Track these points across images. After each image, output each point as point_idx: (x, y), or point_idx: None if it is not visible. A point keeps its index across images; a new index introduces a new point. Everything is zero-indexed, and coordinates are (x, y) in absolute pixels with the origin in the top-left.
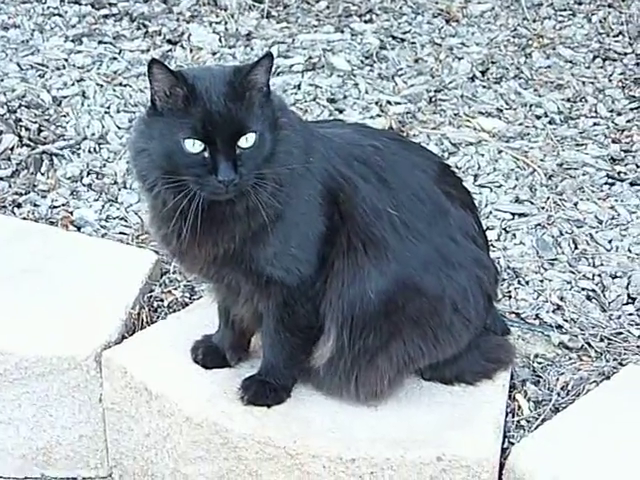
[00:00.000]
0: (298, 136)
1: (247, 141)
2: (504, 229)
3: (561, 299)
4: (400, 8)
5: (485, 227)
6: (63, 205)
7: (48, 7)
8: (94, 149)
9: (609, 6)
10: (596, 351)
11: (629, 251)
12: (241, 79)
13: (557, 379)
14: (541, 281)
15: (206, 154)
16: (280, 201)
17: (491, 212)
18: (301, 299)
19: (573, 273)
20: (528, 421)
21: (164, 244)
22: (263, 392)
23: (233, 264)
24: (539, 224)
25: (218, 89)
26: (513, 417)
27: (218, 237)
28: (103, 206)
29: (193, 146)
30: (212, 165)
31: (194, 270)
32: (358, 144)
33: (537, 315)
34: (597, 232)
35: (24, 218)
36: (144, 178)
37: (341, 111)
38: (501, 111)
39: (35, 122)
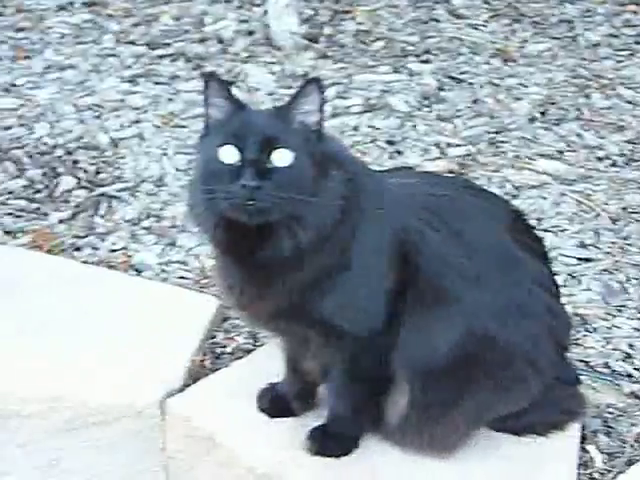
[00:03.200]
0: (363, 186)
1: (282, 158)
2: (570, 274)
3: (630, 347)
4: (457, 48)
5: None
6: (122, 249)
7: (103, 48)
8: (152, 191)
9: None
10: None
11: None
12: (286, 103)
13: (629, 430)
14: (609, 328)
15: (238, 163)
16: (334, 248)
17: (556, 257)
18: (370, 351)
19: None
20: (601, 473)
21: (228, 296)
22: (330, 443)
23: (300, 316)
24: (605, 269)
25: (264, 109)
26: (586, 469)
27: (277, 289)
28: (163, 250)
29: (227, 154)
30: (239, 172)
31: (260, 324)
32: (429, 194)
33: (606, 363)
34: None
35: (84, 261)
36: (192, 212)
37: (400, 153)
38: (562, 153)
39: (93, 164)
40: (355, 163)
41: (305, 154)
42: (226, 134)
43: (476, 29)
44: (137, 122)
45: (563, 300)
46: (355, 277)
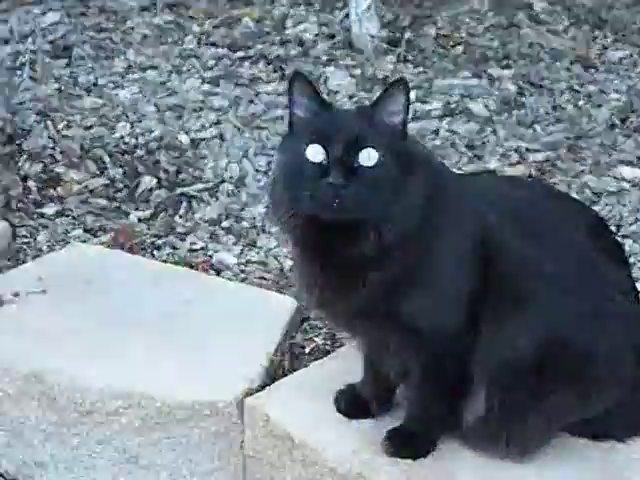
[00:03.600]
0: (446, 188)
1: (369, 158)
2: None
3: None
4: (537, 54)
5: None
6: (202, 249)
7: (185, 49)
8: (232, 192)
9: None
10: None
11: None
12: (372, 103)
13: None
14: None
15: (324, 162)
16: (416, 248)
17: (635, 263)
18: (450, 353)
19: None
20: None
21: (308, 296)
22: (408, 444)
23: (381, 317)
24: None
25: (350, 109)
26: None
27: (358, 288)
28: (242, 250)
29: (314, 153)
30: (327, 170)
31: (339, 323)
32: (510, 197)
33: None
34: None
35: (163, 261)
36: (275, 211)
37: (479, 158)
38: None
39: (173, 164)
40: (437, 164)
41: (390, 154)
42: (312, 133)
43: (557, 35)
44: (217, 123)
45: None
46: (436, 278)
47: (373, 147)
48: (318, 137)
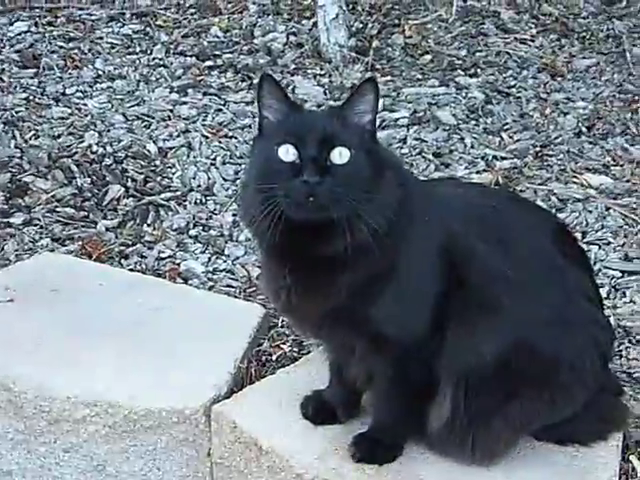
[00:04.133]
0: (412, 193)
1: (340, 156)
2: (614, 287)
3: None
4: (505, 62)
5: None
6: (170, 257)
7: (154, 58)
8: (200, 201)
9: None
10: None
11: None
12: (342, 103)
13: None
14: None
15: (297, 161)
16: (385, 251)
17: (600, 270)
18: (415, 358)
19: None
20: None
21: (275, 300)
22: (374, 450)
23: (346, 321)
24: None
25: (321, 110)
26: (627, 479)
27: (327, 290)
28: (210, 258)
29: (286, 153)
30: (300, 169)
31: (306, 328)
32: (476, 204)
33: None
34: None
35: (131, 269)
36: (246, 213)
37: (447, 165)
38: (608, 167)
39: (141, 173)
40: (405, 169)
41: (362, 153)
42: (284, 133)
43: (524, 44)
44: (186, 132)
45: (607, 312)
46: (403, 283)
47: (344, 145)
48: (290, 137)
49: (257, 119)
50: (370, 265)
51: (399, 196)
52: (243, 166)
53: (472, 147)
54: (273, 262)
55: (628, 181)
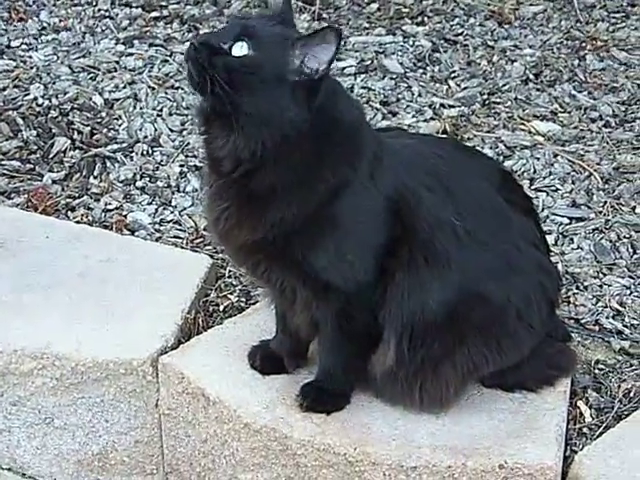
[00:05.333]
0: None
1: (241, 48)
2: (561, 234)
3: (621, 304)
4: (452, 10)
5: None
6: (117, 209)
7: (99, 10)
8: (147, 152)
9: None
10: None
11: None
12: (299, 37)
13: (619, 386)
14: (600, 286)
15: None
16: (317, 191)
17: (548, 216)
18: (359, 307)
19: (632, 278)
20: (590, 429)
21: (214, 229)
22: (322, 398)
23: (283, 262)
24: (597, 228)
25: (271, 16)
26: (575, 425)
27: (255, 218)
28: (157, 210)
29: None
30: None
31: (242, 260)
32: (423, 155)
33: (597, 321)
34: None
35: (77, 222)
36: None
37: (394, 114)
38: (556, 114)
39: (87, 125)
40: (355, 113)
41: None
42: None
43: None
44: (132, 83)
45: (555, 259)
46: (344, 230)
47: (248, 40)
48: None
49: None
50: (299, 203)
51: (323, 128)
52: (190, 117)
53: (419, 95)
54: (213, 177)
55: (576, 128)
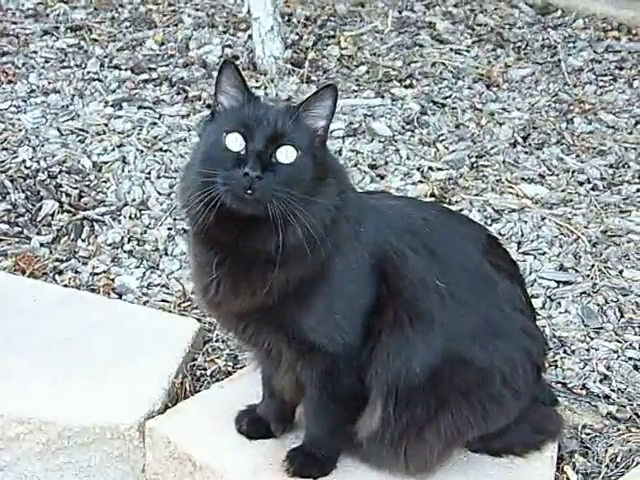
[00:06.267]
0: (349, 201)
1: (287, 155)
2: (549, 297)
3: (608, 369)
4: (440, 73)
5: (529, 295)
6: (104, 272)
7: (88, 72)
8: (135, 215)
9: None
10: None
11: None
12: (300, 103)
13: (606, 451)
14: (587, 350)
15: (242, 152)
16: (318, 256)
17: (535, 280)
18: (345, 369)
19: (619, 342)
20: None
21: (203, 296)
22: (308, 464)
23: (273, 324)
24: (584, 292)
25: (277, 105)
26: None
27: (256, 286)
28: (144, 273)
29: (234, 142)
30: (243, 161)
31: (232, 325)
32: (408, 216)
33: (584, 385)
34: None
35: (65, 285)
36: (183, 194)
37: (382, 177)
38: (543, 177)
39: (76, 188)
40: (347, 179)
41: (308, 155)
42: (235, 122)
43: (459, 54)
44: (121, 146)
45: (542, 323)
46: (334, 291)
47: (292, 145)
48: (240, 126)
49: (211, 104)
50: (301, 268)
51: (337, 204)
52: (177, 181)
53: (408, 158)
54: (203, 250)
55: (563, 191)
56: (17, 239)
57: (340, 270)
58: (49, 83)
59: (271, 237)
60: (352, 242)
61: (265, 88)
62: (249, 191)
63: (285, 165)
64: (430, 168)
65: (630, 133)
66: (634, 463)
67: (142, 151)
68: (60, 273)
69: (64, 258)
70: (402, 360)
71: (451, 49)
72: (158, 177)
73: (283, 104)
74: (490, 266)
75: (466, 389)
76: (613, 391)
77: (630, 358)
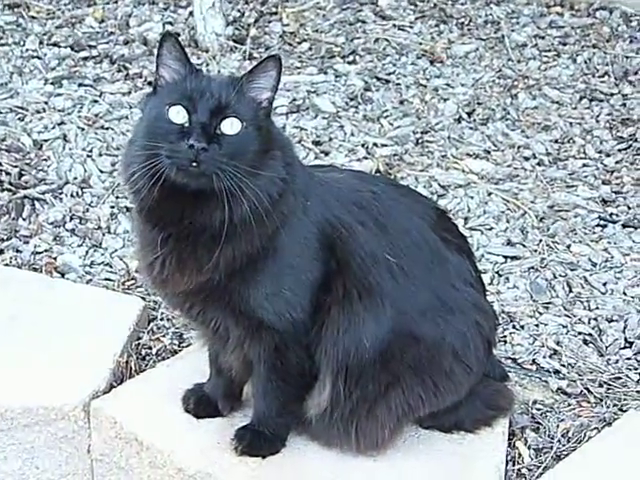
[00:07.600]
0: (296, 173)
1: (231, 127)
2: (497, 272)
3: (557, 344)
4: (384, 49)
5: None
6: (46, 251)
7: (27, 50)
8: (77, 193)
9: (594, 47)
10: (595, 397)
11: (624, 294)
12: (243, 74)
13: (557, 426)
14: (536, 325)
15: (186, 124)
16: (264, 230)
17: (483, 255)
18: (294, 346)
19: (568, 317)
20: (529, 469)
21: (148, 274)
22: (257, 442)
23: (221, 302)
24: (532, 267)
25: (220, 77)
26: (514, 465)
27: (202, 262)
28: (87, 252)
29: (176, 114)
30: (188, 133)
31: (178, 303)
32: (356, 190)
33: (534, 360)
34: (591, 275)
35: (6, 264)
36: (126, 169)
37: (327, 153)
38: (489, 153)
39: (16, 166)
40: (293, 151)
41: (253, 127)
42: (178, 94)
43: (402, 30)
44: (61, 124)
45: (491, 298)
46: (281, 267)
47: (237, 116)
48: (182, 99)
49: (153, 78)
50: (247, 243)
51: (284, 176)
52: (120, 157)
53: (352, 135)
54: (147, 227)
55: (509, 166)
56: None
57: (288, 245)
58: None
59: (216, 211)
60: (299, 216)
61: (207, 65)
62: (194, 163)
63: (230, 136)
64: (375, 144)
65: (574, 108)
66: (585, 438)
67: (83, 129)
68: (1, 252)
69: (5, 237)
70: (352, 336)
71: (394, 25)
72: (100, 155)
73: (226, 76)
74: (440, 240)
75: (417, 365)
76: (563, 366)
77: (580, 333)
